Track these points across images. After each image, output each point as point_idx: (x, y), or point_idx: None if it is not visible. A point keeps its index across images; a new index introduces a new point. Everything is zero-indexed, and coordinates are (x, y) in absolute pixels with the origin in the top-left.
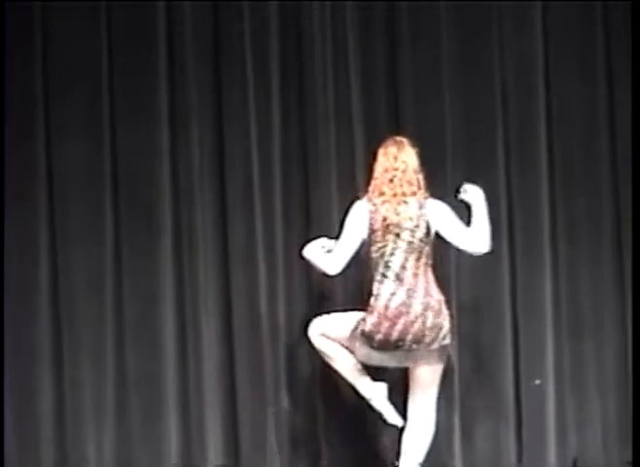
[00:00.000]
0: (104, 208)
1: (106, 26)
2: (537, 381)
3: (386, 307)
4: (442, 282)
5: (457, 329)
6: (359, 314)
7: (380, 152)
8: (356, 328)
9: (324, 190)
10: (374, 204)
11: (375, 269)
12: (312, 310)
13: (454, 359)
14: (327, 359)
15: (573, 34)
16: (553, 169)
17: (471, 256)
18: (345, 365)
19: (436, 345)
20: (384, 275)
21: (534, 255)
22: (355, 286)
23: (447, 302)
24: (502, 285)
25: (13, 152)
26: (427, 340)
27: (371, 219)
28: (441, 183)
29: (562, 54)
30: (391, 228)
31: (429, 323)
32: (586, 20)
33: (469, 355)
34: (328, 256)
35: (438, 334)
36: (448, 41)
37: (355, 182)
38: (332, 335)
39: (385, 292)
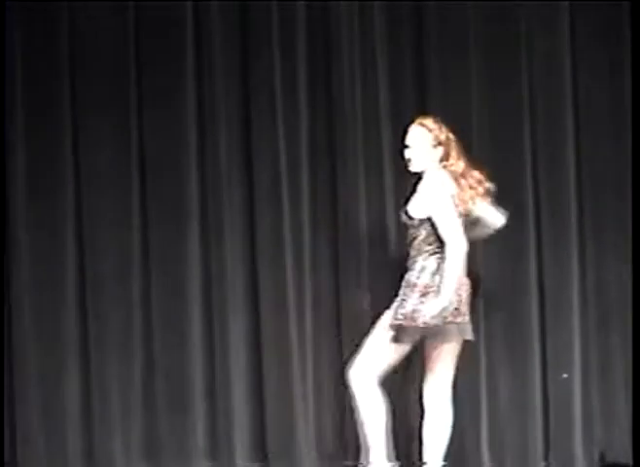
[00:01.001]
0: (131, 198)
1: (133, 24)
2: (564, 375)
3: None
4: (469, 277)
5: (485, 323)
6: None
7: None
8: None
9: (351, 182)
10: None
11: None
12: (340, 302)
13: (481, 352)
14: (363, 412)
15: (600, 30)
16: (580, 164)
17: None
18: (379, 425)
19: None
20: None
21: (561, 248)
22: (382, 271)
23: (474, 295)
24: (529, 279)
25: (40, 142)
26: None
27: None
28: None
29: (589, 52)
30: None
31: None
32: (614, 18)
33: (496, 348)
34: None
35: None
36: (475, 39)
37: (382, 176)
38: (379, 362)
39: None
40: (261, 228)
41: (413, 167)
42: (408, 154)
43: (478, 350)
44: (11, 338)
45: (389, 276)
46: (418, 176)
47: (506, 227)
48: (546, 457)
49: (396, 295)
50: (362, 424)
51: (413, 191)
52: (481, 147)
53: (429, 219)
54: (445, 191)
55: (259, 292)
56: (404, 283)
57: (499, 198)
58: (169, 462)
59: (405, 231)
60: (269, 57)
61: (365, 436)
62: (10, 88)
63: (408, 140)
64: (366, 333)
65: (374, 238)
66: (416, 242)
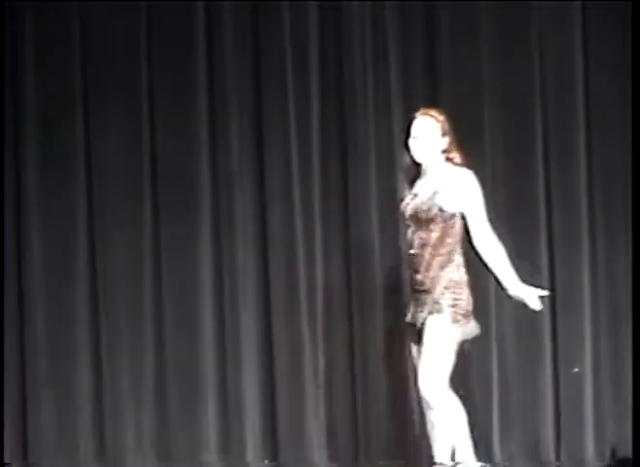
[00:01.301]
0: (143, 196)
1: (146, 23)
2: (575, 369)
3: None
4: (480, 274)
5: (496, 318)
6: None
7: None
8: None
9: (362, 178)
10: None
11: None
12: (351, 299)
13: (493, 349)
14: (445, 418)
15: (611, 32)
16: (592, 163)
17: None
18: (463, 426)
19: None
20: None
21: (572, 244)
22: (390, 269)
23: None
24: (540, 274)
25: (52, 143)
26: None
27: None
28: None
29: (600, 53)
30: None
31: None
32: (625, 19)
33: (507, 345)
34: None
35: None
36: (487, 33)
37: (393, 170)
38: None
39: None
40: (272, 223)
41: (421, 158)
42: (415, 144)
43: (489, 347)
44: (23, 335)
45: (401, 272)
46: (416, 168)
47: (517, 223)
48: (557, 453)
49: (415, 291)
50: (442, 430)
51: (412, 182)
52: (493, 141)
53: (460, 214)
54: (479, 186)
55: (270, 288)
56: (443, 282)
57: (510, 193)
58: (180, 458)
59: (413, 225)
60: (281, 51)
61: (445, 440)
62: (22, 83)
63: (416, 131)
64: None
65: (387, 232)
66: (433, 239)
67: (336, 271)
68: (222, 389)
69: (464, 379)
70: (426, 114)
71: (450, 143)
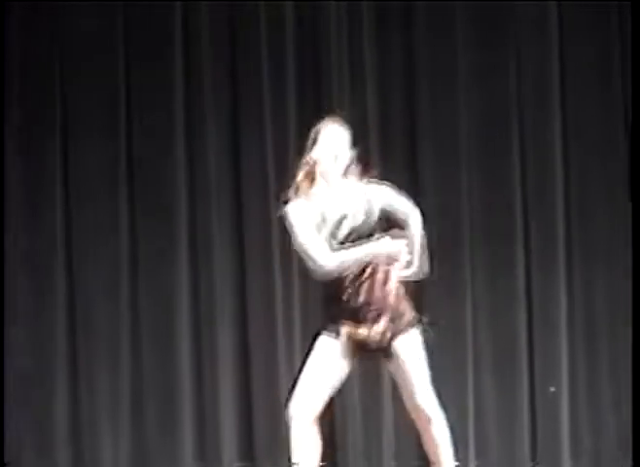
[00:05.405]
0: (119, 211)
1: (123, 27)
2: (552, 389)
3: None
4: (458, 291)
5: (473, 335)
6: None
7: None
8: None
9: None
10: None
11: None
12: None
13: (469, 366)
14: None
15: (589, 42)
16: (569, 180)
17: None
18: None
19: None
20: None
21: (549, 262)
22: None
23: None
24: (517, 292)
25: (28, 155)
26: None
27: None
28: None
29: (578, 65)
30: None
31: None
32: (603, 29)
33: (484, 362)
34: None
35: None
36: (464, 41)
37: None
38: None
39: None
40: (249, 236)
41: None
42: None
43: (465, 364)
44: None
45: None
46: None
47: (494, 240)
48: None
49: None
50: (444, 440)
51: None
52: (469, 151)
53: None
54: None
55: (247, 302)
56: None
57: (486, 208)
58: None
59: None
60: (258, 60)
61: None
62: None
63: (348, 143)
64: None
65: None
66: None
67: (313, 284)
68: (199, 407)
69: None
70: (340, 124)
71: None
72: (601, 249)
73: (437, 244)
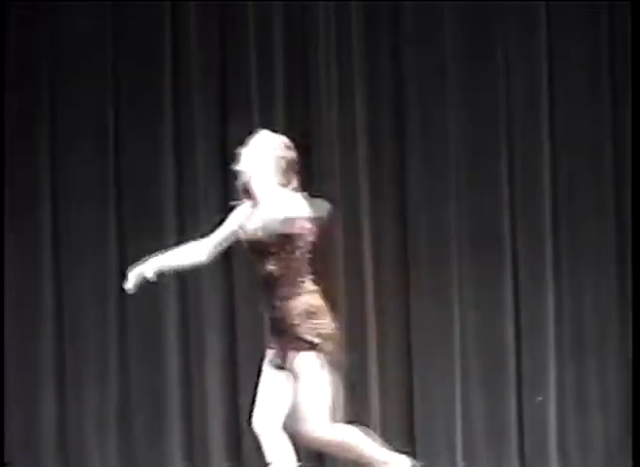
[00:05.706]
0: (108, 223)
1: (112, 30)
2: (539, 398)
3: None
4: (445, 300)
5: (461, 346)
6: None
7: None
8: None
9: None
10: None
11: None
12: None
13: (457, 376)
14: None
15: (578, 42)
16: (557, 187)
17: None
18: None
19: None
20: None
21: (536, 272)
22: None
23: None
24: (504, 302)
25: (16, 165)
26: None
27: None
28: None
29: (567, 65)
30: None
31: None
32: (593, 29)
33: (471, 372)
34: None
35: None
36: (453, 43)
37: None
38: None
39: None
40: (237, 242)
41: None
42: None
43: (453, 374)
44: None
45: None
46: None
47: (482, 250)
48: None
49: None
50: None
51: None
52: (458, 163)
53: None
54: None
55: (235, 312)
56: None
57: (474, 223)
58: None
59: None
60: (247, 67)
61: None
62: None
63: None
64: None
65: (350, 250)
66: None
67: None
68: (187, 417)
69: (425, 412)
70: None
71: None
72: (589, 259)
73: (424, 255)
